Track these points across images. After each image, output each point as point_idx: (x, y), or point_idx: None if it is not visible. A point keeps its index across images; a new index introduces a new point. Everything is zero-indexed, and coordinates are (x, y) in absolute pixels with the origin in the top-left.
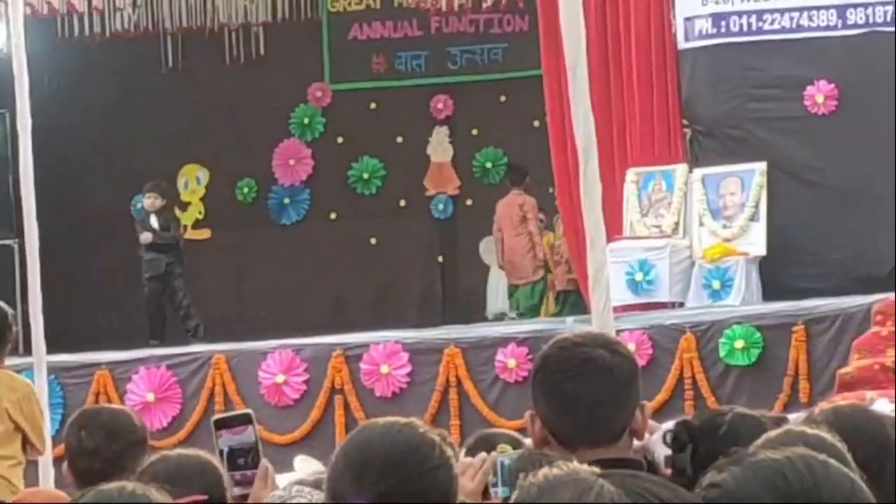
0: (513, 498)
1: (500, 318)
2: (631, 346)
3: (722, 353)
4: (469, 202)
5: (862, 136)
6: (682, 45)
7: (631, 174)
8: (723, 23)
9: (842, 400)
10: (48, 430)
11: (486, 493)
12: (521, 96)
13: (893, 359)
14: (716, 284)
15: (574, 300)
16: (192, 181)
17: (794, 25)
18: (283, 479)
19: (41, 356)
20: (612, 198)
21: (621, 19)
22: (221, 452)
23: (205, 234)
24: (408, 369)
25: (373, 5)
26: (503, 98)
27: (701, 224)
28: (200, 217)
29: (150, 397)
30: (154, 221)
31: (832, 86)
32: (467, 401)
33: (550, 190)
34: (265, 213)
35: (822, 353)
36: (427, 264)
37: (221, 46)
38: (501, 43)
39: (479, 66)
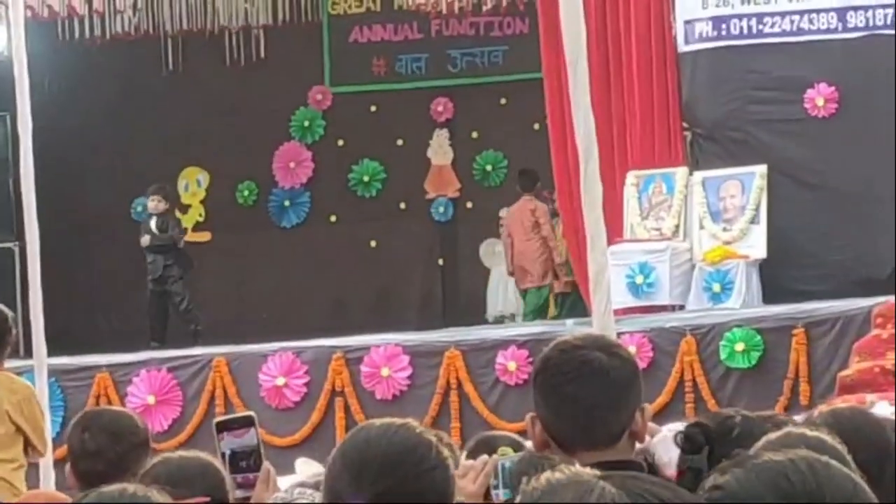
0: (515, 500)
1: (500, 320)
2: (631, 349)
3: (722, 356)
4: (469, 205)
5: (862, 139)
6: (683, 47)
7: (631, 177)
8: (723, 25)
9: (842, 403)
10: (49, 432)
11: (487, 495)
12: (522, 99)
13: (894, 362)
14: (716, 287)
15: (573, 302)
16: (193, 184)
17: (794, 28)
18: (284, 482)
19: (42, 358)
20: (613, 200)
21: (621, 22)
22: (223, 455)
23: (205, 236)
24: (408, 372)
25: (373, 8)
26: (503, 101)
27: (701, 227)
28: (201, 220)
29: (151, 400)
30: (153, 224)
31: (832, 88)
32: (468, 403)
33: (547, 192)
34: (265, 215)
35: (823, 356)
36: (427, 267)
37: (222, 49)
38: (502, 46)
39: (479, 69)
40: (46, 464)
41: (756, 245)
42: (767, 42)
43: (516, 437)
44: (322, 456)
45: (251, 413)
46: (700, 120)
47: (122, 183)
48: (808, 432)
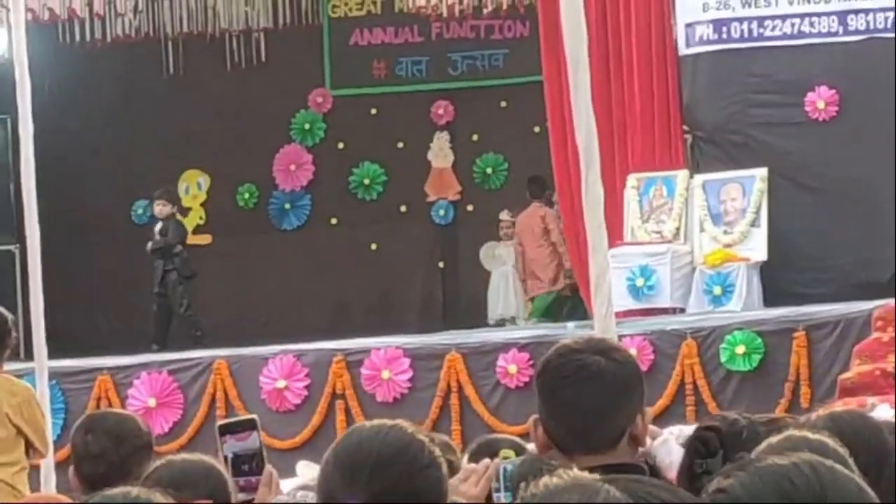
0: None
1: (501, 323)
2: (632, 352)
3: (723, 359)
4: (470, 208)
5: (863, 142)
6: (683, 50)
7: (632, 180)
8: (724, 29)
9: (843, 405)
10: (49, 434)
11: (489, 498)
12: (522, 102)
13: (894, 364)
14: (717, 290)
15: (572, 305)
16: (193, 186)
17: (795, 31)
18: (285, 485)
19: (42, 361)
20: (613, 203)
21: (622, 25)
22: (226, 458)
23: (206, 239)
24: (409, 375)
25: (374, 11)
26: (504, 104)
27: (702, 230)
28: (201, 222)
29: (152, 402)
30: (157, 228)
31: (833, 91)
32: (468, 406)
33: (549, 193)
34: (266, 218)
35: (823, 359)
36: (428, 270)
37: (222, 52)
38: (502, 49)
39: (479, 72)
40: (47, 466)
41: (757, 248)
42: (768, 45)
43: (518, 440)
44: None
45: (254, 416)
46: (701, 123)
47: (123, 185)
48: (811, 435)
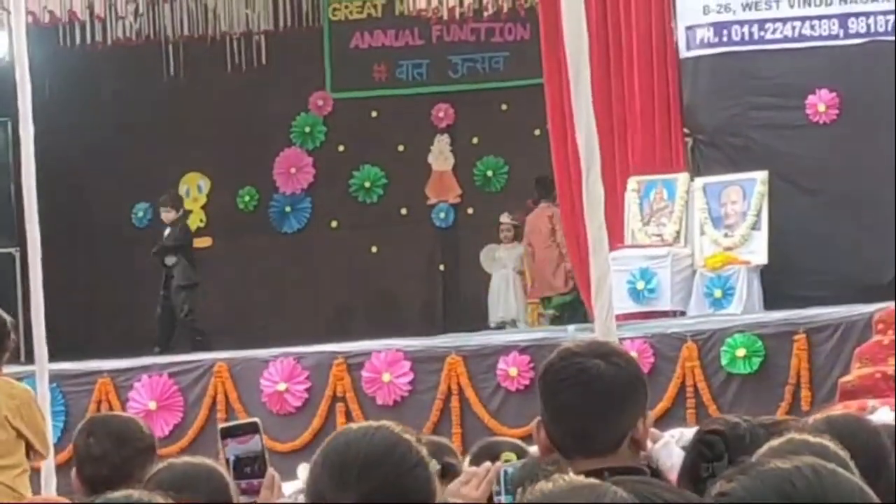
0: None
1: (501, 326)
2: (632, 355)
3: (723, 362)
4: (470, 210)
5: (863, 145)
6: (684, 53)
7: (632, 183)
8: (724, 31)
9: (842, 408)
10: (50, 437)
11: (490, 501)
12: (523, 105)
13: (895, 367)
14: (717, 293)
15: (573, 307)
16: (194, 189)
17: (795, 34)
18: (286, 488)
19: (43, 364)
20: (614, 206)
21: (623, 27)
22: (228, 461)
23: (206, 242)
24: (409, 377)
25: (374, 14)
26: (504, 106)
27: (702, 233)
28: (202, 225)
29: (152, 405)
30: (165, 233)
31: (833, 94)
32: (469, 409)
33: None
34: (266, 221)
35: (824, 362)
36: (428, 273)
37: (223, 55)
38: (502, 51)
39: (480, 75)
40: (48, 469)
41: (757, 251)
42: (769, 48)
43: (519, 442)
44: None
45: (256, 419)
46: (701, 126)
47: (124, 188)
48: (811, 439)
